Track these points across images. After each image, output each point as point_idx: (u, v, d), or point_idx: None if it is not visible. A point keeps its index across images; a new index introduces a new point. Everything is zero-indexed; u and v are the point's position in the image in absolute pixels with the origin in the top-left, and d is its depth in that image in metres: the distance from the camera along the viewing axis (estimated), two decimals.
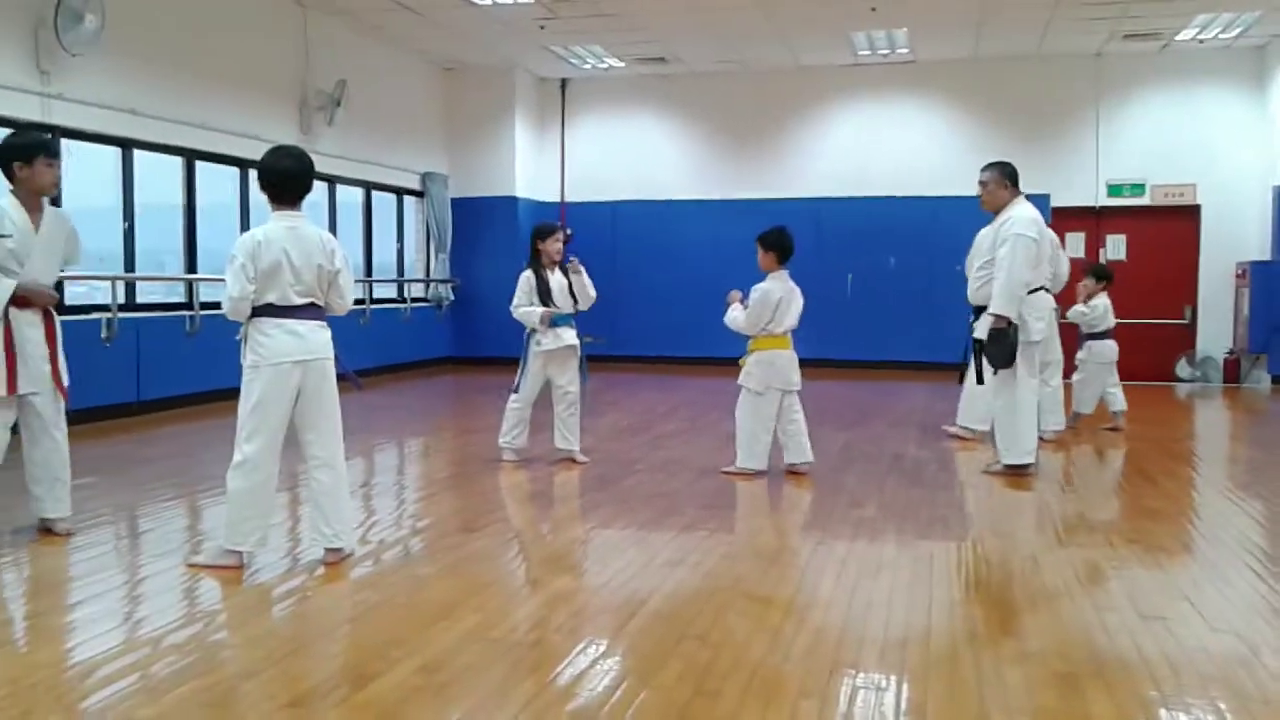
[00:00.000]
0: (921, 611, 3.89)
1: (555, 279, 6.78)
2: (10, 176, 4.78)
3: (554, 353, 6.70)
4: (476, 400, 10.72)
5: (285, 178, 4.41)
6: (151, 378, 8.93)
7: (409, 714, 2.93)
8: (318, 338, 4.44)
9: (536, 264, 6.79)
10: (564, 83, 14.70)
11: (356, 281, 12.23)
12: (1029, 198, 6.68)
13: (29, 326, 4.74)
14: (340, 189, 12.20)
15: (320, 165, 11.95)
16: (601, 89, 14.58)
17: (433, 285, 13.93)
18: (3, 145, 4.87)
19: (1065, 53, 12.87)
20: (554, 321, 6.70)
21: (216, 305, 10.26)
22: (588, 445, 7.04)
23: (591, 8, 10.86)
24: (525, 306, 6.69)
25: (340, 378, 4.57)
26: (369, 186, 12.78)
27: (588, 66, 13.78)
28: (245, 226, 10.53)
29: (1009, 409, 6.43)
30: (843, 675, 3.26)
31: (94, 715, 2.90)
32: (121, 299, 8.80)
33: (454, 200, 14.18)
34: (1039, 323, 6.48)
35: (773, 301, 6.42)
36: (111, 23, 8.32)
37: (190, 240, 9.80)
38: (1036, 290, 6.57)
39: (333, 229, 12.11)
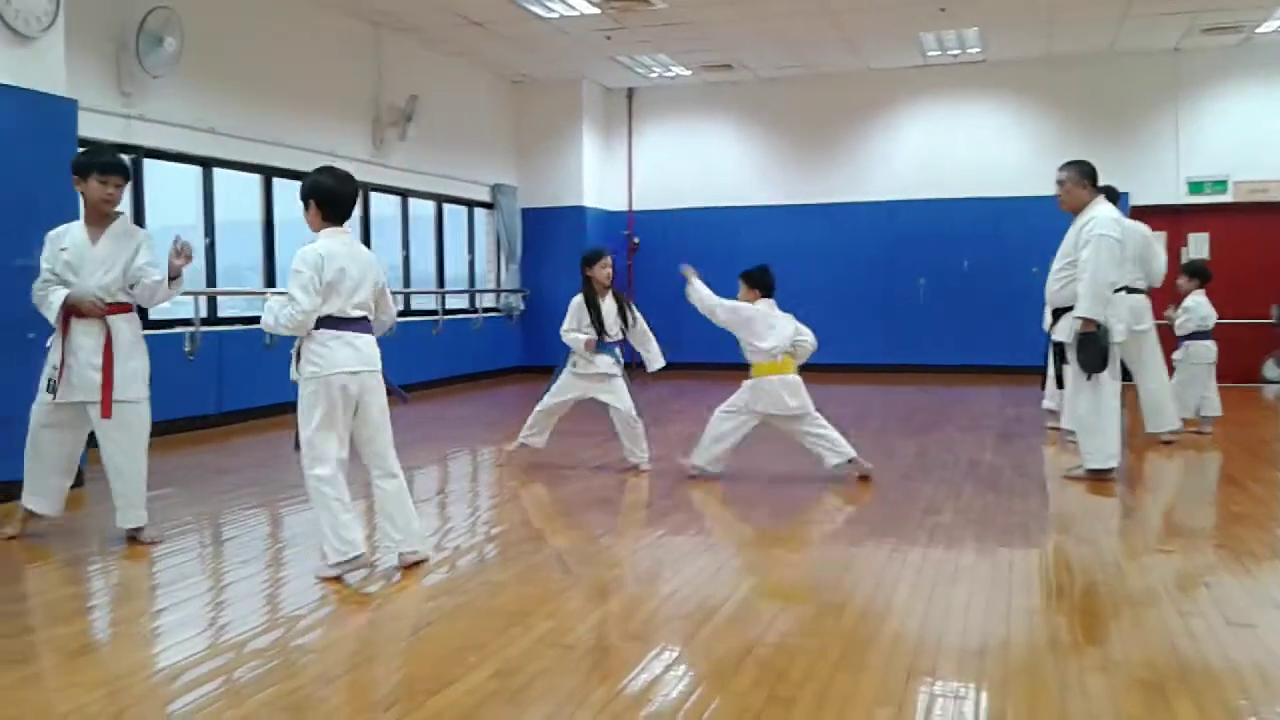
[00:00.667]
0: (1000, 619, 3.82)
1: (607, 304, 6.81)
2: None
3: (590, 376, 6.78)
4: None
5: (341, 198, 4.57)
6: (231, 390, 9.15)
7: (485, 719, 2.96)
8: (371, 350, 4.53)
9: (589, 290, 6.81)
10: (630, 92, 14.76)
11: (428, 293, 12.56)
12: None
13: (82, 335, 4.89)
14: (412, 202, 12.39)
15: (392, 179, 12.30)
16: (667, 97, 14.62)
17: (503, 295, 14.07)
18: (72, 161, 5.09)
19: (1141, 49, 12.58)
20: (605, 349, 6.77)
21: None
22: (656, 454, 7.04)
23: (657, 18, 10.90)
24: (574, 332, 6.75)
25: (386, 391, 4.61)
26: (440, 199, 12.96)
27: (654, 75, 13.83)
28: None
29: (1091, 412, 6.29)
30: (920, 683, 3.21)
31: (181, 718, 2.98)
32: (204, 313, 9.03)
33: (523, 211, 14.31)
34: (1120, 324, 6.34)
35: (748, 314, 6.41)
36: (189, 45, 8.56)
37: (269, 255, 10.03)
38: (1119, 290, 6.42)
39: (405, 242, 12.32)
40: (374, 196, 11.61)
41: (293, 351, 4.49)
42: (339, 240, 4.50)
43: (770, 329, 6.41)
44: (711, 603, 4.07)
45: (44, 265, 4.93)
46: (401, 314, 11.64)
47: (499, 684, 3.20)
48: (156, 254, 5.05)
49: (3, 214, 5.81)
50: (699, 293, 6.51)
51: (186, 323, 8.79)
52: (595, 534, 5.26)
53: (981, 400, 10.77)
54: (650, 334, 6.99)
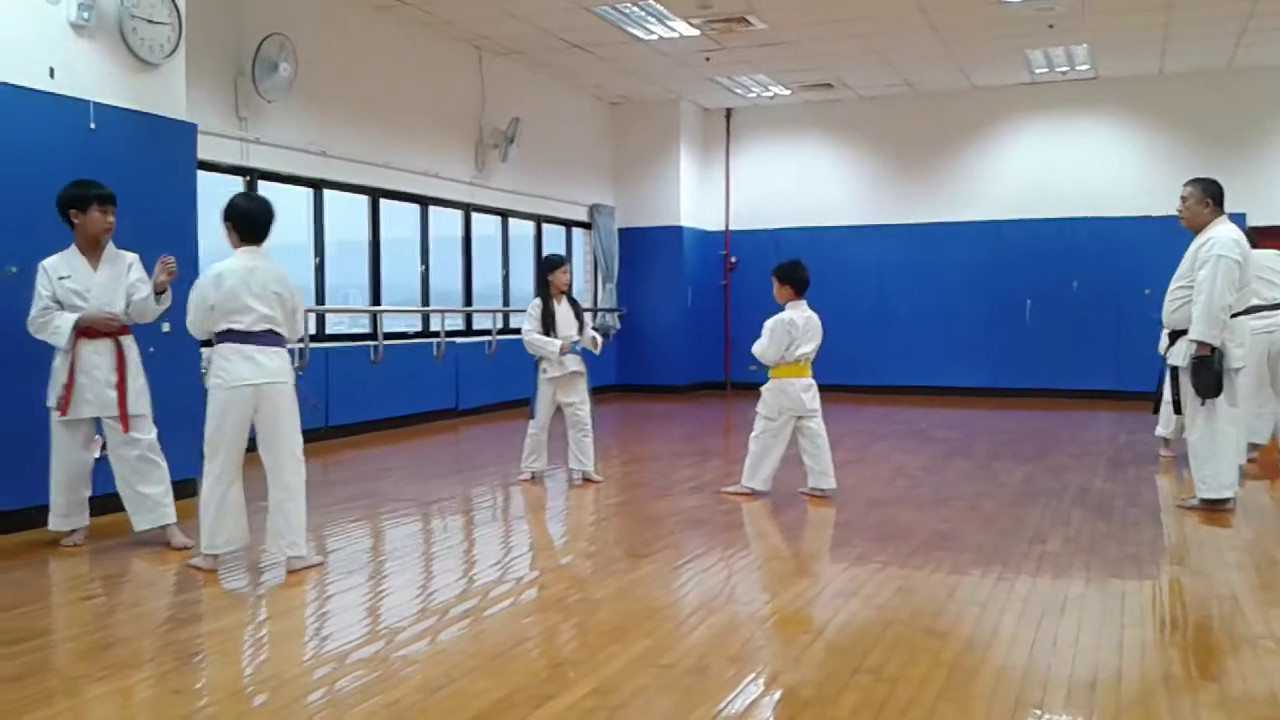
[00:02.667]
0: (1112, 651, 3.69)
1: (561, 309, 7.14)
2: (69, 223, 5.16)
3: (559, 379, 7.06)
4: (644, 427, 10.81)
5: (253, 218, 4.88)
6: (338, 404, 9.38)
7: None
8: (273, 363, 4.79)
9: (545, 294, 7.14)
10: (728, 112, 14.77)
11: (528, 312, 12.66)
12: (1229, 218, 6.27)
13: (94, 354, 5.13)
14: (512, 222, 12.58)
15: (493, 200, 12.50)
16: (766, 117, 14.58)
17: (600, 314, 14.17)
18: (60, 195, 5.18)
19: (1260, 65, 12.13)
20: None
21: (400, 335, 10.79)
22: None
23: (757, 38, 10.90)
24: (539, 335, 7.03)
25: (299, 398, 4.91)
26: (539, 220, 13.13)
27: (752, 95, 13.81)
28: (425, 261, 10.99)
29: (1205, 439, 6.05)
30: (1027, 715, 3.11)
31: None
32: (313, 330, 9.29)
33: (620, 231, 14.42)
34: (1239, 349, 6.09)
35: (798, 327, 6.49)
36: (303, 71, 8.85)
37: (375, 274, 10.28)
38: (1239, 314, 6.16)
39: (505, 262, 12.50)
40: (475, 217, 11.82)
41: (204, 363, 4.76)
42: (242, 259, 4.78)
43: (808, 339, 6.53)
44: (812, 626, 4.02)
45: (42, 293, 5.09)
46: (501, 333, 11.87)
47: (597, 701, 3.20)
48: (144, 272, 5.34)
49: (127, 233, 6.06)
50: (760, 354, 6.57)
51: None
52: (692, 553, 5.24)
53: (1091, 426, 10.45)
54: (597, 337, 7.37)
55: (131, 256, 5.35)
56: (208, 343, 4.99)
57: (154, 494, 5.27)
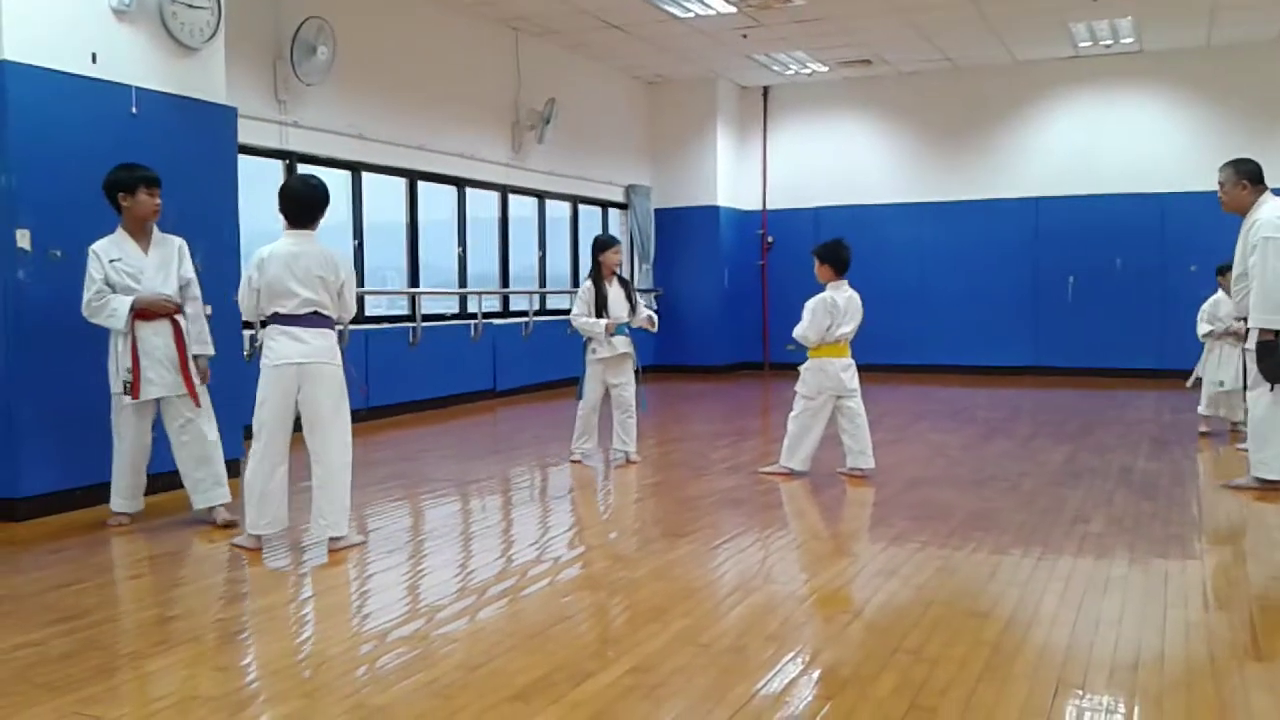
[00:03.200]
0: (1155, 632, 3.65)
1: (613, 291, 7.07)
2: (117, 207, 5.21)
3: (609, 359, 7.02)
4: (680, 408, 10.81)
5: (301, 201, 4.89)
6: (378, 386, 9.45)
7: (622, 713, 2.98)
8: (319, 343, 4.84)
9: (597, 275, 7.07)
10: (766, 90, 14.67)
11: (563, 292, 12.72)
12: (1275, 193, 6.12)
13: (154, 335, 5.20)
14: (549, 203, 12.59)
15: (530, 181, 12.52)
16: (804, 94, 14.46)
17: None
18: (107, 179, 5.23)
19: None
20: (616, 332, 7.01)
21: (438, 317, 10.85)
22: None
23: (796, 14, 10.79)
24: (586, 317, 6.98)
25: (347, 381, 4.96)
26: (576, 200, 13.13)
27: (790, 72, 13.70)
28: (462, 242, 11.03)
29: (1265, 420, 5.95)
30: (1069, 696, 3.09)
31: (330, 703, 3.09)
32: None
33: (657, 211, 14.38)
34: None
35: (839, 307, 6.44)
36: (341, 54, 8.89)
37: (413, 256, 10.33)
38: None
39: (541, 243, 12.52)
40: (512, 198, 11.84)
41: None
42: (286, 244, 4.81)
43: (849, 319, 6.48)
44: (850, 606, 4.01)
45: (95, 277, 5.12)
46: (538, 313, 11.90)
47: (636, 679, 3.21)
48: (191, 260, 5.47)
49: (168, 216, 6.14)
50: (801, 336, 6.50)
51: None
52: (730, 533, 5.24)
53: (1135, 405, 10.32)
54: (653, 315, 7.29)
55: (179, 240, 5.41)
56: (249, 324, 5.05)
57: (210, 474, 5.38)
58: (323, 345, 4.84)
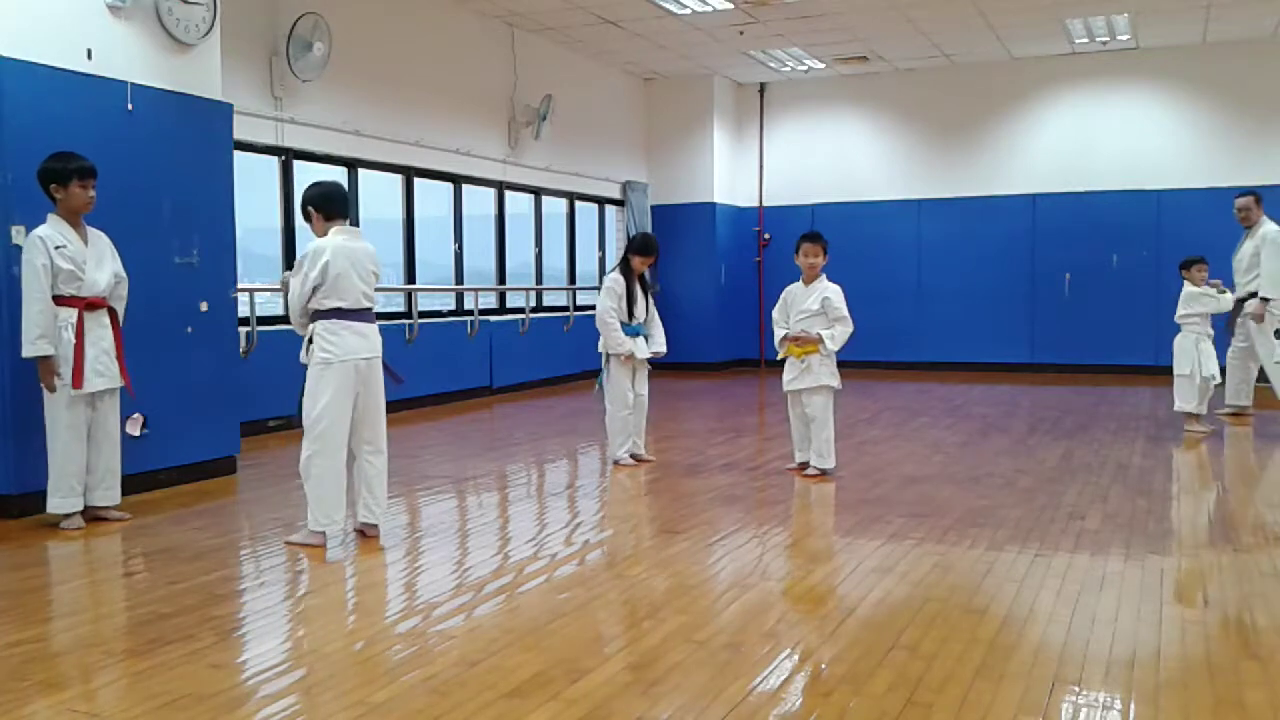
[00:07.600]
0: (1151, 629, 3.66)
1: (639, 292, 7.03)
2: (50, 197, 5.16)
3: (639, 361, 6.96)
4: (676, 405, 10.81)
5: (334, 198, 4.90)
6: None
7: (619, 710, 2.98)
8: (375, 337, 4.92)
9: (627, 270, 6.99)
10: (762, 86, 14.66)
11: (560, 289, 12.72)
12: (1268, 188, 6.66)
13: (99, 326, 5.20)
14: (545, 200, 12.58)
15: (526, 178, 12.51)
16: (801, 91, 14.46)
17: None
18: (40, 169, 5.16)
19: None
20: (633, 331, 6.94)
21: (434, 314, 10.83)
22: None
23: (792, 10, 10.79)
24: (618, 330, 6.83)
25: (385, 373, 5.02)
26: (572, 197, 13.12)
27: (787, 69, 13.70)
28: (459, 239, 11.03)
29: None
30: (1065, 693, 3.09)
31: (327, 700, 3.08)
32: None
33: (654, 207, 14.38)
34: None
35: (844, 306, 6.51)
36: (337, 50, 8.87)
37: (409, 253, 10.32)
38: None
39: (538, 239, 12.51)
40: (508, 195, 11.83)
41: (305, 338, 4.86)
42: (340, 239, 4.82)
43: None
44: (847, 603, 4.01)
45: (39, 264, 5.01)
46: (534, 310, 11.89)
47: (633, 676, 3.21)
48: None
49: (164, 212, 6.13)
50: (831, 341, 6.43)
51: None
52: (726, 530, 5.24)
53: (1130, 402, 10.33)
54: (659, 323, 7.22)
55: (106, 239, 5.35)
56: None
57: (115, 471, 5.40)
58: (379, 339, 4.93)
